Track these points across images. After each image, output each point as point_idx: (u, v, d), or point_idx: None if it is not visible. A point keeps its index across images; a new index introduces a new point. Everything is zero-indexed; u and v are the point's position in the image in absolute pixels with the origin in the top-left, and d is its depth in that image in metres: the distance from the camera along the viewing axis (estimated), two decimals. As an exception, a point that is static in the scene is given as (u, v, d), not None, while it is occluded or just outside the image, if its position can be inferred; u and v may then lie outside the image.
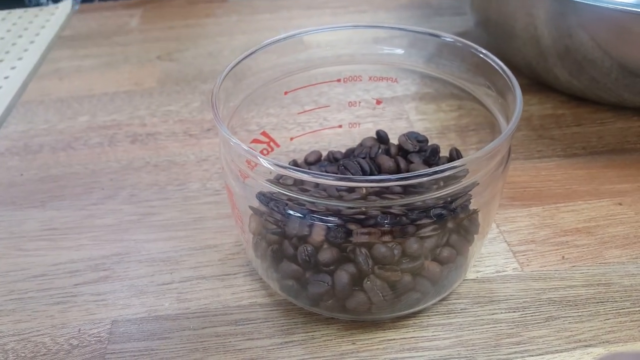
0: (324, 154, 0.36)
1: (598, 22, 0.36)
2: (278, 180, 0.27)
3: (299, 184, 0.26)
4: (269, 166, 0.23)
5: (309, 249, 0.27)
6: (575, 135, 0.40)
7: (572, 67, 0.39)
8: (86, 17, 0.64)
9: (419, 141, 0.34)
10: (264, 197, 0.26)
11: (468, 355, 0.26)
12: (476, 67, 0.32)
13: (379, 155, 0.32)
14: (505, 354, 0.26)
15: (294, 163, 0.36)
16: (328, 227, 0.25)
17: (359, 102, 0.38)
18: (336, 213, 0.24)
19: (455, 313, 0.28)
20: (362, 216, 0.24)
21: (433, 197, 0.24)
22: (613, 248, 0.31)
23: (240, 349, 0.27)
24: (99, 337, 0.28)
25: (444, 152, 0.33)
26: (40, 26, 0.61)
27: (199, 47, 0.56)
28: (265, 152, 0.35)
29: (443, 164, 0.33)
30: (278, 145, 0.35)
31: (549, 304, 0.28)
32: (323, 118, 0.39)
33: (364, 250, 0.26)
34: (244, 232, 0.29)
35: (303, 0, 0.66)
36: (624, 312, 0.28)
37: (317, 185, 0.26)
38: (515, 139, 0.40)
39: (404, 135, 0.33)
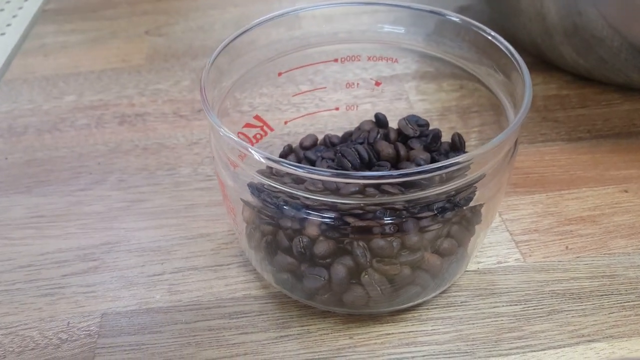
0: (320, 137, 0.35)
1: (609, -2, 0.34)
2: (270, 172, 0.26)
3: (292, 175, 0.25)
4: (260, 159, 0.22)
5: (304, 240, 0.26)
6: (580, 117, 0.39)
7: (580, 45, 0.37)
8: (72, -12, 0.62)
9: (419, 125, 0.32)
10: (255, 189, 0.25)
11: (468, 351, 0.25)
12: (480, 47, 0.30)
13: (377, 140, 0.31)
14: (506, 349, 0.25)
15: (289, 148, 0.34)
16: (324, 222, 0.24)
17: (357, 83, 0.36)
18: (333, 207, 0.23)
19: (455, 306, 0.27)
20: (360, 211, 0.23)
21: (435, 192, 0.22)
22: (618, 238, 0.30)
23: (234, 344, 0.26)
24: (88, 330, 0.27)
25: (446, 136, 0.32)
26: (23, -2, 0.59)
27: (189, 20, 0.54)
28: (258, 136, 0.34)
29: (445, 150, 0.32)
30: (272, 129, 0.34)
31: (551, 296, 0.28)
32: (319, 99, 0.38)
33: (361, 242, 0.25)
34: (236, 222, 0.28)
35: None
36: (628, 306, 0.27)
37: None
38: (518, 121, 0.39)
39: (404, 119, 0.32)
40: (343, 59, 0.34)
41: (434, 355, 0.25)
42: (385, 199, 0.22)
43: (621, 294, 0.27)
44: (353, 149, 0.29)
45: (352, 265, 0.26)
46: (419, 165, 0.28)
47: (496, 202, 0.26)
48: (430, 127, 0.32)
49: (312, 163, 0.32)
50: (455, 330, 0.26)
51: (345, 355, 0.26)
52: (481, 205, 0.25)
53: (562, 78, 0.42)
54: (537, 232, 0.31)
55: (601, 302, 0.27)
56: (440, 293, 0.28)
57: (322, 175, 0.21)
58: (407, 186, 0.23)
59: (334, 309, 0.27)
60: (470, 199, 0.24)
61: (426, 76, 0.43)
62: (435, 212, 0.24)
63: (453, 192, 0.23)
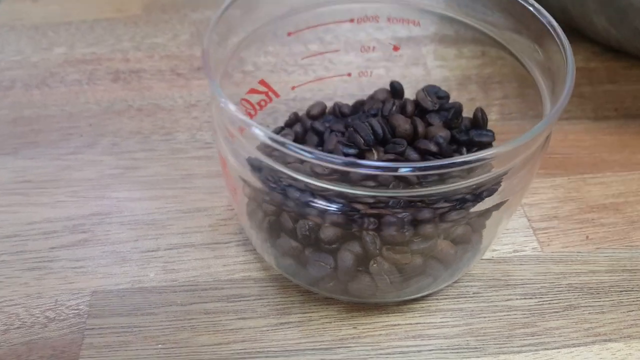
0: (329, 104, 0.32)
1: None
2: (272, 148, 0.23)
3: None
4: (262, 138, 0.20)
5: (309, 223, 0.24)
6: (608, 93, 0.36)
7: (614, 14, 0.34)
8: None
9: (439, 97, 0.30)
10: (256, 168, 0.22)
11: (478, 346, 0.24)
12: (508, 11, 0.27)
13: (393, 114, 0.29)
14: (518, 346, 0.24)
15: (295, 116, 0.32)
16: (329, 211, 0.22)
17: (373, 47, 0.33)
18: (341, 195, 0.21)
19: (466, 297, 0.26)
20: (372, 200, 0.21)
21: (456, 186, 0.20)
22: (642, 229, 0.28)
23: (232, 329, 0.25)
24: (77, 309, 0.26)
25: (465, 109, 0.29)
26: None
27: (189, -33, 0.50)
28: (263, 103, 0.31)
29: (465, 126, 0.30)
30: (278, 95, 0.32)
31: (568, 290, 0.26)
32: (329, 61, 0.35)
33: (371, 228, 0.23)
34: (236, 199, 0.26)
35: None
36: (650, 305, 0.25)
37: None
38: (540, 94, 0.36)
39: (422, 90, 0.30)
40: (360, 20, 0.31)
41: (441, 349, 0.24)
42: (400, 192, 0.20)
43: (643, 291, 0.26)
44: (367, 123, 0.27)
45: (361, 252, 0.24)
46: (438, 144, 0.26)
47: (522, 193, 0.24)
48: (450, 100, 0.30)
49: (320, 135, 0.30)
50: (465, 323, 0.25)
51: (348, 346, 0.24)
52: (505, 200, 0.23)
53: (590, 49, 0.39)
54: (557, 219, 0.29)
55: (620, 298, 0.26)
56: (451, 282, 0.26)
57: (331, 162, 0.19)
58: (424, 176, 0.21)
59: (338, 297, 0.26)
60: (495, 190, 0.22)
61: (445, 40, 0.40)
62: (455, 204, 0.22)
63: (475, 186, 0.21)
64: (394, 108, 0.29)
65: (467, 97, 0.36)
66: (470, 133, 0.28)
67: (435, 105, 0.29)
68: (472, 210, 0.22)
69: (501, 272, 0.27)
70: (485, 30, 0.30)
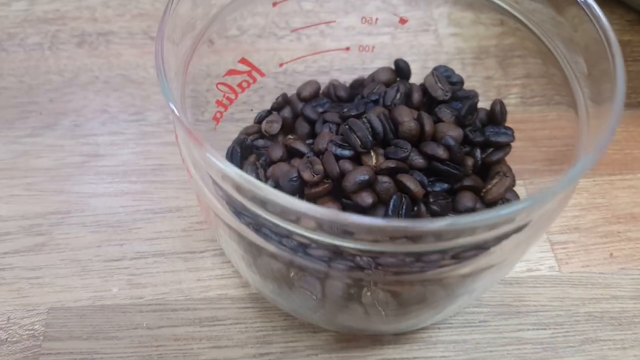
0: (324, 80, 0.28)
1: None
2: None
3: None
4: (220, 178, 0.16)
5: (294, 242, 0.20)
6: (645, 75, 0.31)
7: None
8: None
9: (451, 83, 0.25)
10: (231, 206, 0.18)
11: (482, 385, 0.21)
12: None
13: (396, 104, 0.24)
14: (527, 386, 0.21)
15: (283, 98, 0.28)
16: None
17: (376, 19, 0.28)
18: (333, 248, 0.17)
19: (472, 327, 0.23)
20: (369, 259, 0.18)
21: (476, 239, 0.17)
22: (676, 247, 0.25)
23: None
24: (32, 330, 0.23)
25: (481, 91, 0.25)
26: None
27: None
28: (245, 84, 0.27)
29: (481, 121, 0.25)
30: (263, 75, 0.27)
31: (587, 320, 0.23)
32: (320, 32, 0.30)
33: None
34: (209, 215, 0.22)
35: None
36: (679, 341, 0.22)
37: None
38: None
39: (432, 73, 0.25)
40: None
41: (441, 388, 0.21)
42: (405, 247, 0.17)
43: (672, 324, 0.23)
44: (365, 119, 0.23)
45: (352, 280, 0.20)
46: (447, 147, 0.22)
47: (550, 223, 0.20)
48: (462, 78, 0.25)
49: (312, 123, 0.26)
50: (469, 358, 0.22)
51: (335, 382, 0.22)
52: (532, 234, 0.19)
53: (625, 17, 0.34)
54: (578, 232, 0.25)
55: (645, 330, 0.23)
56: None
57: (318, 214, 0.15)
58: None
59: (326, 327, 0.23)
60: (520, 230, 0.18)
61: (460, 1, 0.34)
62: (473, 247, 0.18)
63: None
64: (398, 96, 0.25)
65: (484, 74, 0.31)
66: (486, 131, 0.24)
67: (446, 95, 0.25)
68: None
69: (513, 296, 0.23)
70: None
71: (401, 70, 0.27)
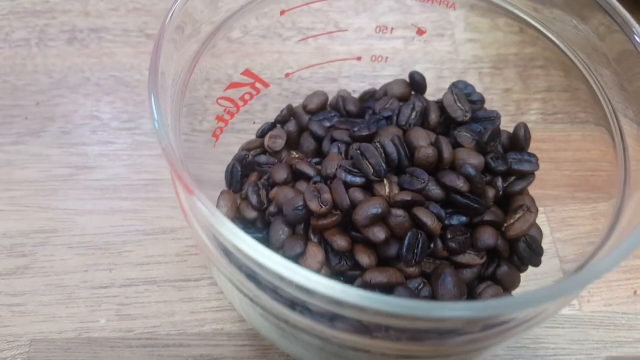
0: (332, 89, 0.26)
1: None
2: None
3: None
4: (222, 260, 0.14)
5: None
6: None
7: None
8: None
9: (471, 102, 0.23)
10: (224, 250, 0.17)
11: None
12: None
13: (412, 127, 0.22)
14: None
15: (288, 110, 0.26)
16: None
17: (391, 29, 0.26)
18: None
19: (486, 373, 0.21)
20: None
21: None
22: None
23: (198, 401, 0.20)
24: (12, 364, 0.21)
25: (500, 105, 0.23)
26: None
27: None
28: (247, 97, 0.25)
29: (503, 146, 0.23)
30: (267, 86, 0.25)
31: (612, 366, 0.21)
32: (334, 27, 0.28)
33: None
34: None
35: None
36: None
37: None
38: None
39: (451, 91, 0.23)
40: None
41: None
42: (412, 345, 0.15)
43: None
44: (378, 144, 0.21)
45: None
46: (467, 177, 0.20)
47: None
48: (483, 97, 0.23)
49: (319, 140, 0.24)
50: (483, 408, 0.20)
51: None
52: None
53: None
54: (603, 266, 0.23)
55: (675, 379, 0.21)
56: None
57: (332, 291, 0.13)
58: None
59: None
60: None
61: (478, 6, 0.32)
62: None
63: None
64: (414, 115, 0.23)
65: (503, 86, 0.29)
66: (508, 157, 0.22)
67: (466, 115, 0.23)
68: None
69: (531, 338, 0.22)
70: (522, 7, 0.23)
71: (416, 83, 0.25)
